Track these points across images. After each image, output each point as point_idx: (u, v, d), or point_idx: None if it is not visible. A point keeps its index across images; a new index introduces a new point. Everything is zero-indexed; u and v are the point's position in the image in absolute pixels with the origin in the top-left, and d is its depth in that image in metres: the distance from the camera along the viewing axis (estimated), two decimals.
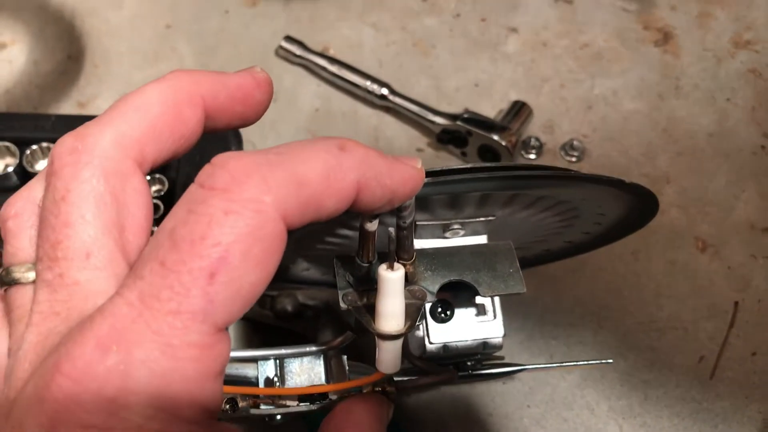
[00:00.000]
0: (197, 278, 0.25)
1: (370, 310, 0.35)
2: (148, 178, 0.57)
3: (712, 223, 0.62)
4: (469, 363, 0.44)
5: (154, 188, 0.58)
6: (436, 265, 0.38)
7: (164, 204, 0.57)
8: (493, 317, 0.40)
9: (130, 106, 0.30)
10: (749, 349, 0.57)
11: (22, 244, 0.30)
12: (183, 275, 0.25)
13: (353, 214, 0.31)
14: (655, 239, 0.62)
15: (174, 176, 0.58)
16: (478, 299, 0.40)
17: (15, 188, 0.57)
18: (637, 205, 0.42)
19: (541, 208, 0.40)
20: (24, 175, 0.57)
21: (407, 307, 0.34)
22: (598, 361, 0.46)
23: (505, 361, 0.46)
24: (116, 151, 0.30)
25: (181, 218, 0.26)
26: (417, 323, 0.38)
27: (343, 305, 0.36)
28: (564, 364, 0.48)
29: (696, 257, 0.61)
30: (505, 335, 0.41)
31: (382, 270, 0.33)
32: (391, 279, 0.33)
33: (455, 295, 0.40)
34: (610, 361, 0.46)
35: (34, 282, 0.29)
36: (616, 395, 0.55)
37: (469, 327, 0.40)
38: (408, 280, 0.35)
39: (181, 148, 0.32)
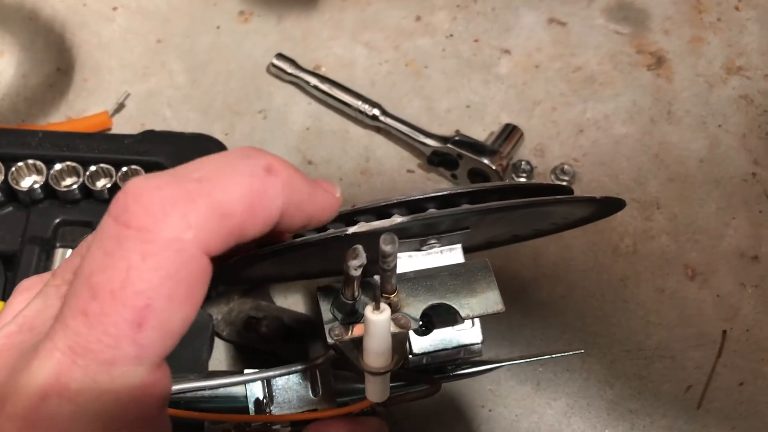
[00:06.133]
0: (124, 329, 0.24)
1: (357, 343, 0.35)
2: None
3: (701, 251, 0.62)
4: (449, 368, 0.45)
5: None
6: (418, 290, 0.39)
7: None
8: (471, 325, 0.41)
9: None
10: (737, 379, 0.57)
11: None
12: (109, 327, 0.24)
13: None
14: (644, 266, 0.61)
15: None
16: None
17: (0, 205, 0.57)
18: (607, 206, 0.43)
19: (514, 216, 0.41)
20: (9, 192, 0.57)
21: (393, 337, 0.34)
22: (569, 353, 0.48)
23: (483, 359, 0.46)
24: None
25: (98, 263, 0.25)
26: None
27: (330, 340, 0.37)
28: (537, 358, 0.50)
29: (685, 285, 0.61)
30: (483, 341, 0.41)
31: (369, 313, 0.33)
32: (379, 321, 0.33)
33: (434, 307, 0.40)
34: (581, 351, 0.48)
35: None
36: (602, 424, 0.55)
37: (448, 336, 0.41)
38: (392, 309, 0.36)
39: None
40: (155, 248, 0.25)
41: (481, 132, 0.67)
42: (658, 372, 0.57)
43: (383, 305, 0.34)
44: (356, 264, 0.32)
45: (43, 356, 0.25)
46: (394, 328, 0.36)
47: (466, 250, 0.42)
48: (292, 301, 0.59)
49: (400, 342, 0.36)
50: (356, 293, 0.36)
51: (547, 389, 0.56)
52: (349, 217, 0.36)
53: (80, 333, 0.24)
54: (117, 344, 0.24)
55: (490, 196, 0.37)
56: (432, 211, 0.35)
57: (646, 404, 0.56)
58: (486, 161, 0.61)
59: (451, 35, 0.73)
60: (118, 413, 0.25)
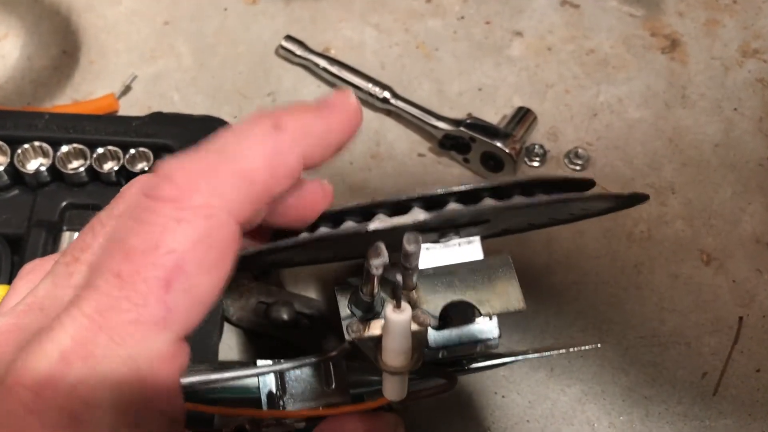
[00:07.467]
0: (153, 287, 0.25)
1: (375, 341, 0.35)
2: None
3: (716, 236, 0.61)
4: (464, 361, 0.44)
5: None
6: (437, 286, 0.38)
7: None
8: (488, 319, 0.40)
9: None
10: (753, 366, 0.56)
11: None
12: (139, 285, 0.24)
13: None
14: (658, 251, 0.60)
15: None
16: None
17: (6, 188, 0.56)
18: (629, 200, 0.42)
19: (536, 209, 0.40)
20: (15, 174, 0.56)
21: (412, 336, 0.34)
22: (586, 347, 0.47)
23: (499, 352, 0.45)
24: None
25: (131, 228, 0.25)
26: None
27: (348, 336, 0.36)
28: (552, 352, 0.48)
29: (700, 270, 0.60)
30: (500, 336, 0.41)
31: (390, 312, 0.33)
32: (400, 321, 0.33)
33: (453, 304, 0.40)
34: (598, 345, 0.47)
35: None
36: (617, 411, 0.54)
37: (465, 330, 0.40)
38: (411, 305, 0.35)
39: None
40: (188, 214, 0.25)
41: (493, 115, 0.66)
42: (673, 358, 0.56)
43: (404, 304, 0.33)
44: (378, 263, 0.31)
45: (67, 322, 0.25)
46: (413, 326, 0.35)
47: (482, 238, 0.41)
48: (302, 287, 0.58)
49: (419, 340, 0.35)
50: (376, 290, 0.35)
51: (561, 376, 0.55)
52: (368, 210, 0.35)
53: (110, 294, 0.24)
54: (145, 302, 0.24)
55: (513, 190, 0.36)
56: (454, 207, 0.34)
57: (662, 391, 0.55)
58: (499, 145, 0.60)
59: (462, 17, 0.72)
60: (138, 383, 0.25)
